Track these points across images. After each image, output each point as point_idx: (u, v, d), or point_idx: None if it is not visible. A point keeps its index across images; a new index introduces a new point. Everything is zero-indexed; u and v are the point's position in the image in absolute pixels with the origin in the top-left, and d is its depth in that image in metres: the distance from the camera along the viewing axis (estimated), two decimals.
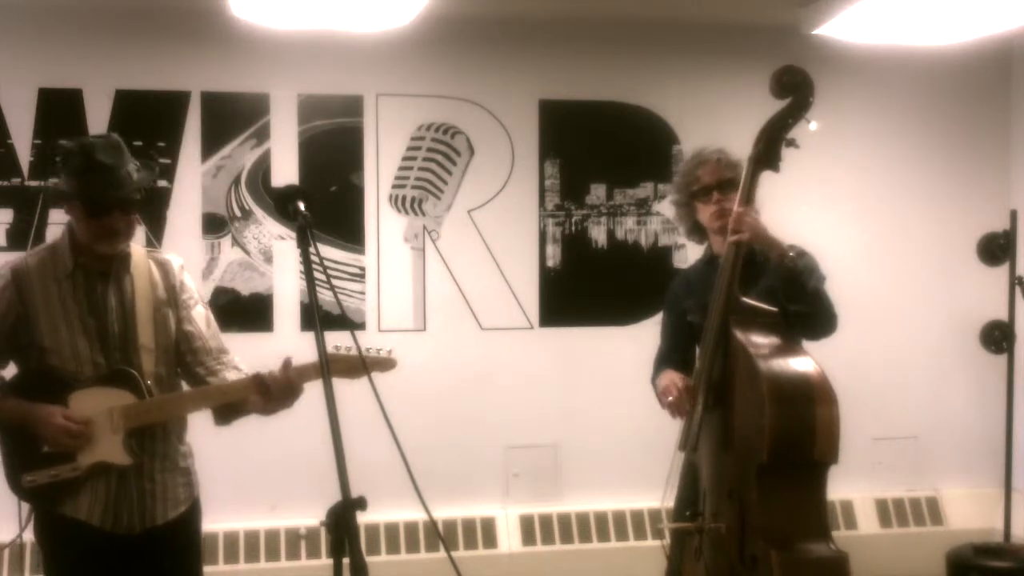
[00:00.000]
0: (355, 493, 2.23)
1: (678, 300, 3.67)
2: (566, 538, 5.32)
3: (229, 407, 3.03)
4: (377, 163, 5.24)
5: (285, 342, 4.95)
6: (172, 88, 5.04)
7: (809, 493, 3.16)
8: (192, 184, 5.07)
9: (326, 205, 5.11)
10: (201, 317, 3.07)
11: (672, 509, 3.62)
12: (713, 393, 3.31)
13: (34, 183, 4.92)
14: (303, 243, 2.52)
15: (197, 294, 3.13)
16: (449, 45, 5.21)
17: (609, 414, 5.38)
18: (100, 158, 2.84)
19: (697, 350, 3.53)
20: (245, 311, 5.06)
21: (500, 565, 5.18)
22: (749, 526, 3.15)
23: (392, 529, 5.12)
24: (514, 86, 5.35)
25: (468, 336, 5.34)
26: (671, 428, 3.51)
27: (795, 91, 3.24)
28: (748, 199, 3.28)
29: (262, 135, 5.14)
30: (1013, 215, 5.33)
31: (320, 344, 2.46)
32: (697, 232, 3.61)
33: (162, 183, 4.97)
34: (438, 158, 5.32)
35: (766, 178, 3.30)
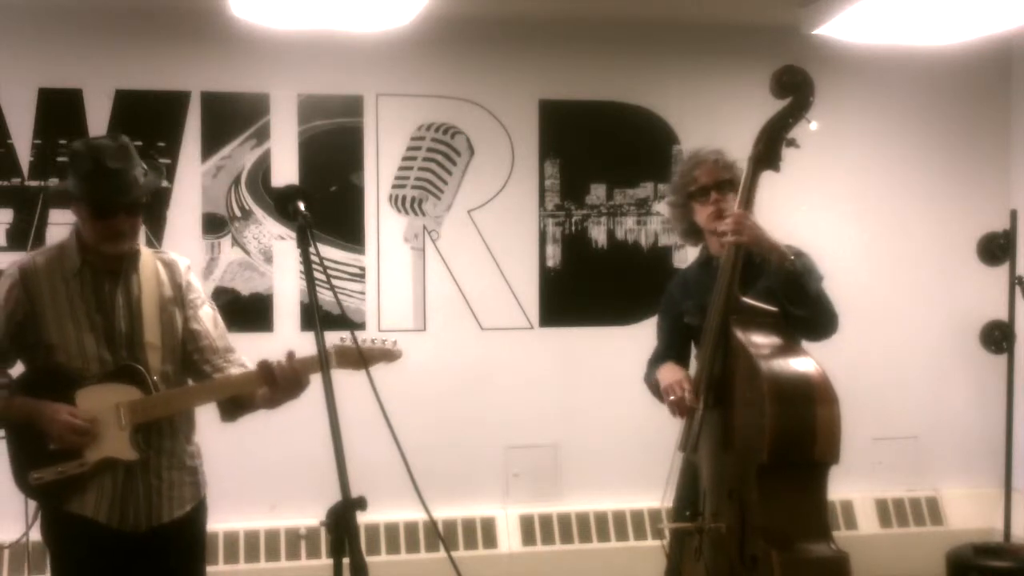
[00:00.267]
0: (355, 493, 2.23)
1: (675, 302, 3.66)
2: (566, 538, 5.32)
3: (235, 403, 3.04)
4: (377, 163, 5.24)
5: (285, 342, 4.86)
6: (172, 88, 5.04)
7: (809, 493, 3.16)
8: (192, 184, 5.07)
9: (326, 205, 5.11)
10: (208, 317, 3.10)
11: (672, 509, 3.62)
12: (713, 393, 3.31)
13: (34, 183, 4.92)
14: (303, 243, 2.52)
15: (204, 294, 3.14)
16: (449, 45, 5.21)
17: (609, 414, 5.38)
18: (109, 163, 2.86)
19: (693, 351, 3.53)
20: (245, 311, 5.06)
21: (500, 565, 5.18)
22: (749, 526, 3.15)
23: (392, 529, 5.13)
24: (514, 86, 5.35)
25: (468, 336, 5.34)
26: (671, 428, 3.51)
27: (795, 91, 3.24)
28: (749, 199, 3.28)
29: (262, 135, 5.14)
30: (1013, 215, 5.33)
31: (320, 344, 2.46)
32: (693, 234, 3.60)
33: (162, 183, 4.97)
34: (438, 158, 5.32)
35: (766, 178, 3.30)
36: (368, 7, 4.35)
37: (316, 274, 2.53)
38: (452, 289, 5.32)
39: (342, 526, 2.22)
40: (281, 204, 2.64)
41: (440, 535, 4.97)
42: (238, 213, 5.13)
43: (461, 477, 5.22)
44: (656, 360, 3.67)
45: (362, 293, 5.23)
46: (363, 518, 2.23)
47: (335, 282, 5.11)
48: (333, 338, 2.87)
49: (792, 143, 3.25)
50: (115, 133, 3.02)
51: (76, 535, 2.92)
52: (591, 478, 5.39)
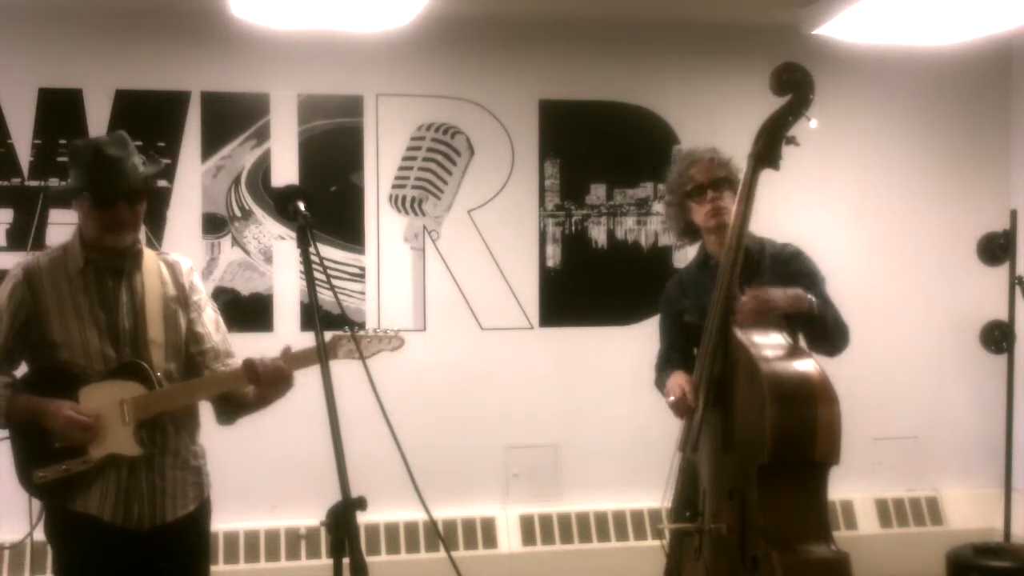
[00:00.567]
0: (355, 493, 2.23)
1: (673, 301, 3.66)
2: (566, 538, 5.32)
3: (229, 403, 3.07)
4: (377, 163, 5.24)
5: (285, 342, 4.90)
6: (172, 88, 5.04)
7: (810, 493, 3.16)
8: (192, 184, 5.07)
9: (326, 205, 5.11)
10: (211, 320, 3.12)
11: (672, 509, 3.61)
12: (713, 393, 3.31)
13: (34, 183, 4.92)
14: (303, 243, 2.53)
15: (207, 296, 3.17)
16: (449, 45, 5.21)
17: (609, 414, 5.38)
18: (107, 151, 2.90)
19: (696, 350, 3.54)
20: (245, 311, 5.06)
21: (500, 565, 5.18)
22: (750, 527, 3.14)
23: (392, 529, 5.12)
24: (514, 86, 5.35)
25: (468, 336, 5.34)
26: (671, 428, 3.51)
27: (795, 88, 3.23)
28: (748, 197, 3.27)
29: (262, 135, 5.14)
30: (1013, 215, 5.33)
31: (320, 344, 2.46)
32: (689, 233, 3.59)
33: (162, 183, 4.98)
34: (438, 158, 5.32)
35: (766, 176, 3.30)
36: (368, 7, 4.35)
37: (316, 274, 2.54)
38: (452, 289, 5.32)
39: (342, 526, 2.22)
40: (281, 204, 2.65)
41: (440, 535, 4.97)
42: (238, 213, 5.13)
43: (461, 477, 5.22)
44: (662, 360, 3.67)
45: (362, 293, 5.23)
46: (363, 518, 2.23)
47: (335, 282, 5.11)
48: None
49: (792, 141, 3.24)
50: (114, 132, 3.06)
51: (80, 533, 2.93)
52: (591, 478, 5.39)
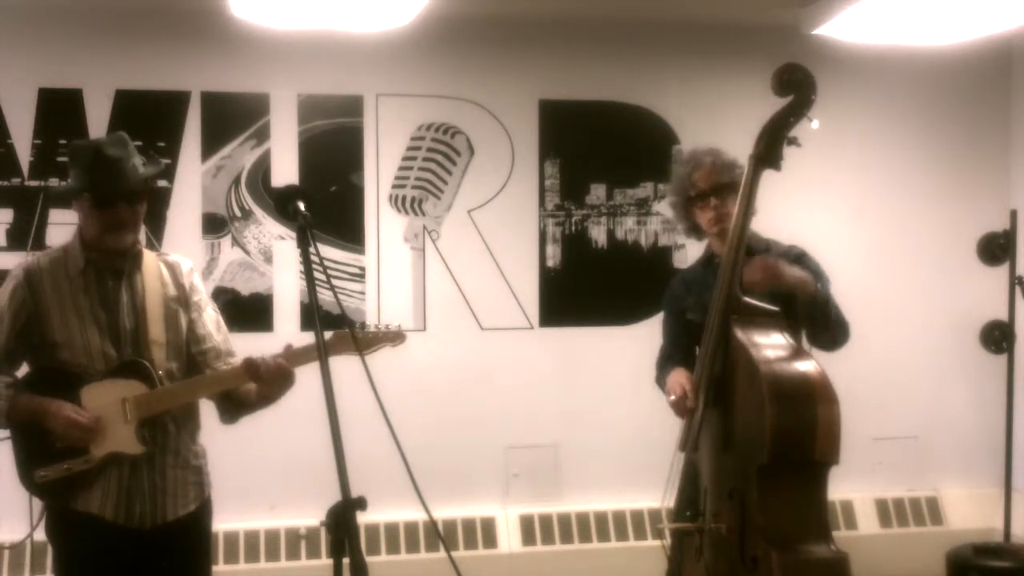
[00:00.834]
0: (355, 493, 2.23)
1: (676, 299, 3.67)
2: (566, 538, 5.32)
3: (231, 402, 3.08)
4: (377, 163, 5.24)
5: (285, 342, 4.93)
6: (172, 88, 5.04)
7: (810, 493, 3.16)
8: (192, 184, 5.07)
9: (326, 205, 5.11)
10: (212, 320, 3.14)
11: (673, 509, 3.61)
12: (714, 393, 3.31)
13: (34, 183, 4.92)
14: (303, 243, 2.53)
15: (207, 296, 3.18)
16: (449, 45, 5.21)
17: (609, 414, 5.38)
18: (108, 152, 2.91)
19: (698, 349, 3.54)
20: (245, 311, 5.06)
21: (500, 565, 5.18)
22: (749, 526, 3.14)
23: (392, 529, 5.12)
24: (514, 86, 5.35)
25: (468, 336, 5.34)
26: (671, 428, 3.51)
27: (797, 89, 3.23)
28: (749, 198, 3.28)
29: (262, 135, 5.14)
30: (1013, 215, 5.33)
31: (320, 344, 2.46)
32: (696, 231, 3.61)
33: (162, 183, 4.98)
34: (438, 158, 5.32)
35: (767, 177, 3.30)
36: (368, 7, 4.35)
37: (316, 274, 2.54)
38: (452, 289, 5.32)
39: (342, 526, 2.22)
40: (281, 204, 2.65)
41: (440, 535, 4.97)
42: (238, 213, 5.13)
43: (461, 477, 5.22)
44: (664, 359, 3.68)
45: (362, 293, 5.23)
46: (363, 518, 2.23)
47: (335, 282, 5.11)
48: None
49: (794, 142, 3.24)
50: (113, 133, 3.07)
51: (82, 532, 2.93)
52: (591, 478, 5.39)
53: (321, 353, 2.43)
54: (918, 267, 5.73)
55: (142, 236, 3.10)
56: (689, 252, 5.24)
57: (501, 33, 5.27)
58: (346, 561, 2.23)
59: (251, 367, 2.93)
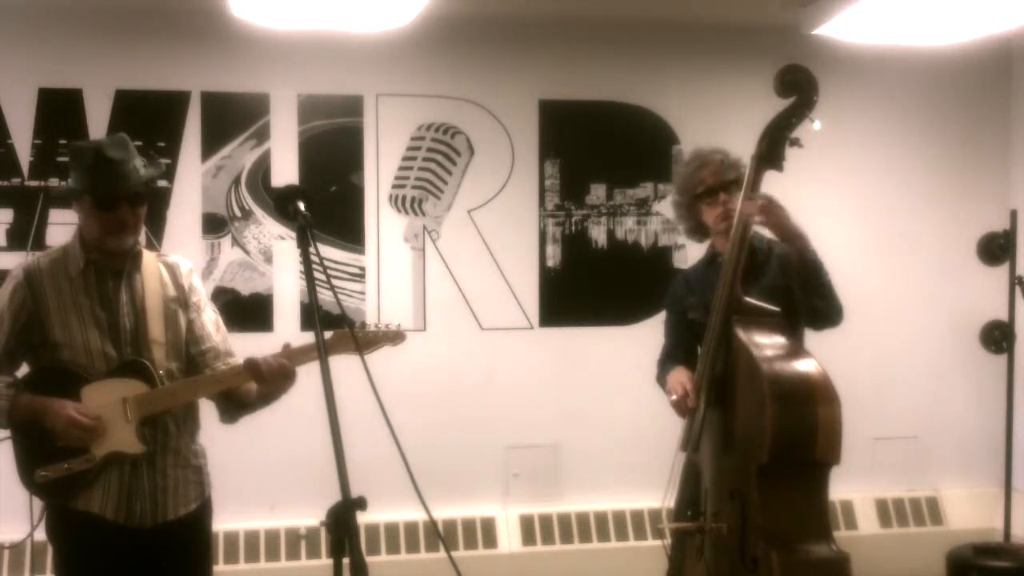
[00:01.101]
0: (355, 493, 2.22)
1: (678, 298, 3.68)
2: (566, 538, 5.32)
3: (234, 401, 3.08)
4: (377, 163, 5.24)
5: (284, 343, 4.94)
6: (172, 88, 5.04)
7: (810, 493, 3.16)
8: (192, 184, 5.07)
9: (326, 205, 5.11)
10: (211, 320, 3.14)
11: (674, 509, 3.62)
12: (715, 393, 3.32)
13: (34, 183, 4.92)
14: (303, 243, 2.53)
15: (206, 297, 3.18)
16: (449, 45, 5.21)
17: (609, 414, 5.38)
18: (109, 153, 2.91)
19: (699, 349, 3.54)
20: (245, 311, 5.06)
21: (500, 565, 5.18)
22: (750, 526, 3.14)
23: (392, 529, 5.12)
24: (514, 86, 5.35)
25: (468, 336, 5.34)
26: (672, 428, 3.51)
27: (798, 90, 3.24)
28: (751, 198, 3.28)
29: (262, 135, 5.14)
30: (1013, 215, 5.33)
31: (320, 344, 2.46)
32: (699, 231, 3.61)
33: (162, 183, 4.97)
34: (438, 158, 5.32)
35: (769, 177, 3.30)
36: (368, 7, 4.35)
37: (316, 274, 2.54)
38: (452, 289, 5.32)
39: (342, 526, 2.22)
40: (281, 204, 2.65)
41: (440, 535, 4.97)
42: (238, 213, 5.13)
43: (461, 477, 5.22)
44: (665, 358, 3.68)
45: (362, 293, 5.23)
46: (363, 518, 2.22)
47: (335, 282, 5.11)
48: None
49: (796, 142, 3.25)
50: (114, 134, 3.07)
51: (82, 532, 2.93)
52: (591, 478, 5.39)
53: (321, 353, 2.43)
54: (918, 267, 5.74)
55: (142, 236, 3.10)
56: (689, 252, 5.24)
57: (501, 33, 5.27)
58: (346, 561, 2.23)
59: (253, 367, 2.93)
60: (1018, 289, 5.31)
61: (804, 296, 3.32)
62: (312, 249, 2.52)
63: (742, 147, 3.38)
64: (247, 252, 5.14)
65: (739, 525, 3.17)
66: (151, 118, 5.01)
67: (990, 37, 5.01)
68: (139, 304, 2.99)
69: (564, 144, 5.42)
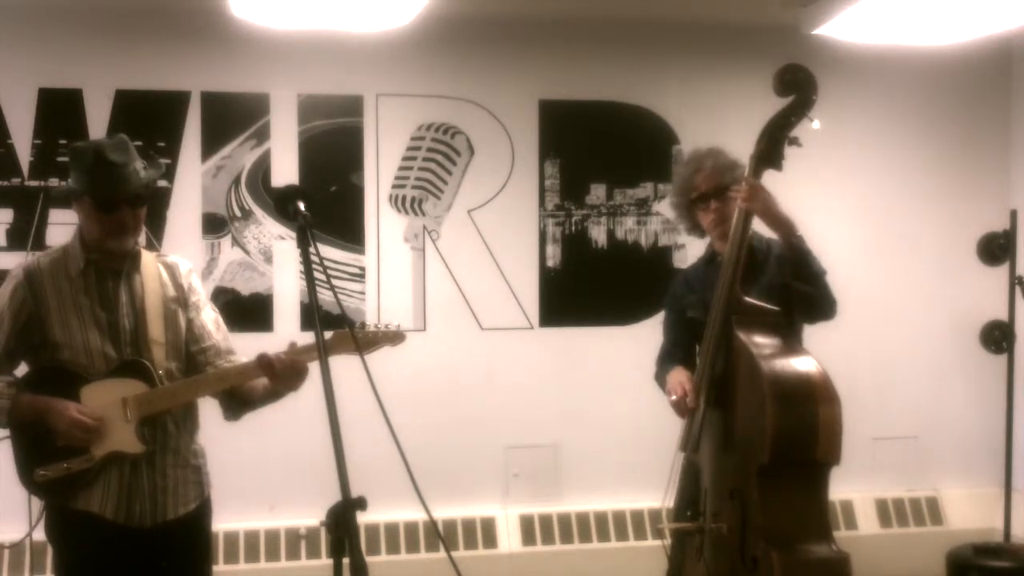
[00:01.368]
0: (355, 493, 2.22)
1: (678, 297, 3.68)
2: (566, 538, 5.32)
3: (238, 398, 3.08)
4: (377, 163, 5.24)
5: (285, 342, 4.90)
6: (172, 88, 5.04)
7: (810, 493, 3.16)
8: (192, 184, 5.07)
9: (326, 205, 5.11)
10: (211, 320, 3.14)
11: (674, 509, 3.62)
12: (715, 393, 3.32)
13: (34, 183, 4.92)
14: (303, 243, 2.53)
15: (205, 296, 3.18)
16: (449, 45, 5.21)
17: (609, 414, 5.38)
18: (110, 156, 2.91)
19: (699, 348, 3.54)
20: (245, 311, 5.06)
21: (500, 565, 5.18)
22: (750, 526, 3.14)
23: (392, 529, 5.12)
24: (514, 86, 5.35)
25: (468, 336, 5.34)
26: (672, 428, 3.51)
27: (798, 89, 3.24)
28: None
29: (262, 135, 5.14)
30: (1013, 215, 5.33)
31: (320, 344, 2.46)
32: (698, 229, 3.63)
33: (162, 183, 4.97)
34: (438, 158, 5.32)
35: (768, 177, 3.30)
36: (368, 7, 4.35)
37: (316, 274, 2.54)
38: (452, 289, 5.32)
39: (342, 526, 2.22)
40: (281, 204, 2.65)
41: (440, 535, 4.97)
42: (238, 213, 5.13)
43: (461, 477, 5.22)
44: (664, 356, 3.68)
45: (362, 293, 5.23)
46: (363, 518, 2.22)
47: (335, 282, 5.11)
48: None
49: (795, 142, 3.25)
50: (114, 135, 3.07)
51: (82, 532, 2.94)
52: (591, 478, 5.39)
53: (321, 353, 2.43)
54: (918, 267, 5.73)
55: (142, 237, 3.10)
56: (689, 252, 5.24)
57: (501, 33, 5.27)
58: (346, 561, 2.23)
59: (266, 365, 2.92)
60: (1018, 289, 5.31)
61: (794, 281, 3.32)
62: (312, 249, 2.52)
63: (742, 147, 3.38)
64: (247, 252, 5.14)
65: (739, 525, 3.17)
66: (151, 118, 5.01)
67: (990, 37, 5.01)
68: (139, 304, 2.99)
69: (564, 144, 5.42)
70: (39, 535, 3.03)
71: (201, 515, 3.10)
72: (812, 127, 3.22)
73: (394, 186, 5.27)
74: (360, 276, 5.24)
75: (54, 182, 4.87)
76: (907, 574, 5.31)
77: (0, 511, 3.89)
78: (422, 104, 5.29)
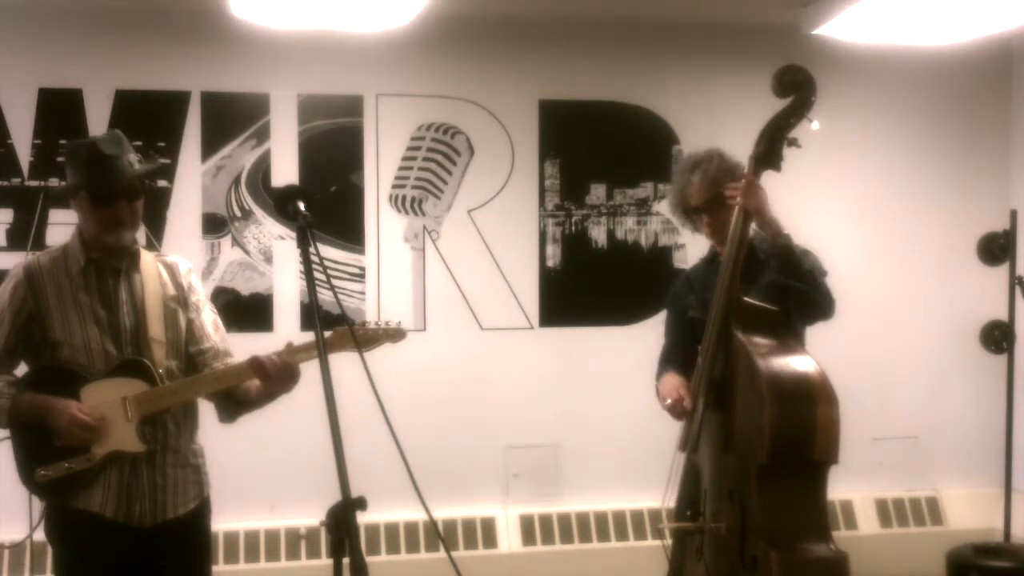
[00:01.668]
0: (355, 493, 2.22)
1: (679, 297, 3.69)
2: (566, 538, 5.32)
3: (232, 401, 3.09)
4: (377, 163, 5.24)
5: (285, 342, 4.94)
6: (172, 88, 5.04)
7: (809, 493, 3.16)
8: (192, 184, 5.07)
9: (326, 205, 5.11)
10: (210, 320, 3.15)
11: (673, 509, 3.62)
12: (714, 393, 3.32)
13: (34, 183, 4.92)
14: (303, 243, 2.53)
15: (205, 297, 3.19)
16: (449, 45, 5.21)
17: (609, 414, 5.38)
18: (103, 149, 2.92)
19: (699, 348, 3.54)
20: (245, 311, 5.06)
21: (500, 565, 5.18)
22: (749, 526, 3.14)
23: (392, 529, 5.12)
24: (514, 86, 5.35)
25: (468, 336, 5.34)
26: (671, 428, 3.51)
27: (797, 90, 3.24)
28: None
29: (262, 135, 5.14)
30: (1013, 215, 5.33)
31: (320, 344, 2.46)
32: (698, 229, 3.63)
33: (162, 183, 4.98)
34: (438, 158, 5.32)
35: (767, 177, 3.30)
36: (368, 7, 4.35)
37: (316, 274, 2.54)
38: (452, 289, 5.32)
39: (342, 526, 2.22)
40: (281, 204, 2.65)
41: (440, 535, 4.97)
42: (238, 213, 5.13)
43: (461, 477, 5.22)
44: (665, 356, 3.69)
45: (362, 293, 5.23)
46: (363, 518, 2.22)
47: (335, 282, 5.11)
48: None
49: (794, 143, 3.25)
50: (109, 131, 3.08)
51: (82, 531, 2.94)
52: (591, 478, 5.39)
53: (321, 353, 2.43)
54: (918, 267, 5.74)
55: (142, 237, 3.11)
56: (689, 252, 5.25)
57: (501, 33, 5.27)
58: (346, 561, 2.23)
59: (258, 365, 2.93)
60: (1018, 289, 5.30)
61: (785, 279, 3.31)
62: (312, 249, 2.52)
63: (742, 147, 3.38)
64: (247, 252, 5.14)
65: (738, 525, 3.17)
66: (151, 118, 5.01)
67: (990, 37, 5.02)
68: (139, 303, 3.00)
69: (564, 144, 5.42)
70: (39, 535, 3.03)
71: (201, 515, 3.10)
72: (811, 128, 3.22)
73: (394, 186, 5.27)
74: (360, 276, 5.24)
75: (54, 182, 4.87)
76: (907, 574, 5.31)
77: (1, 511, 3.89)
78: (422, 104, 5.29)
